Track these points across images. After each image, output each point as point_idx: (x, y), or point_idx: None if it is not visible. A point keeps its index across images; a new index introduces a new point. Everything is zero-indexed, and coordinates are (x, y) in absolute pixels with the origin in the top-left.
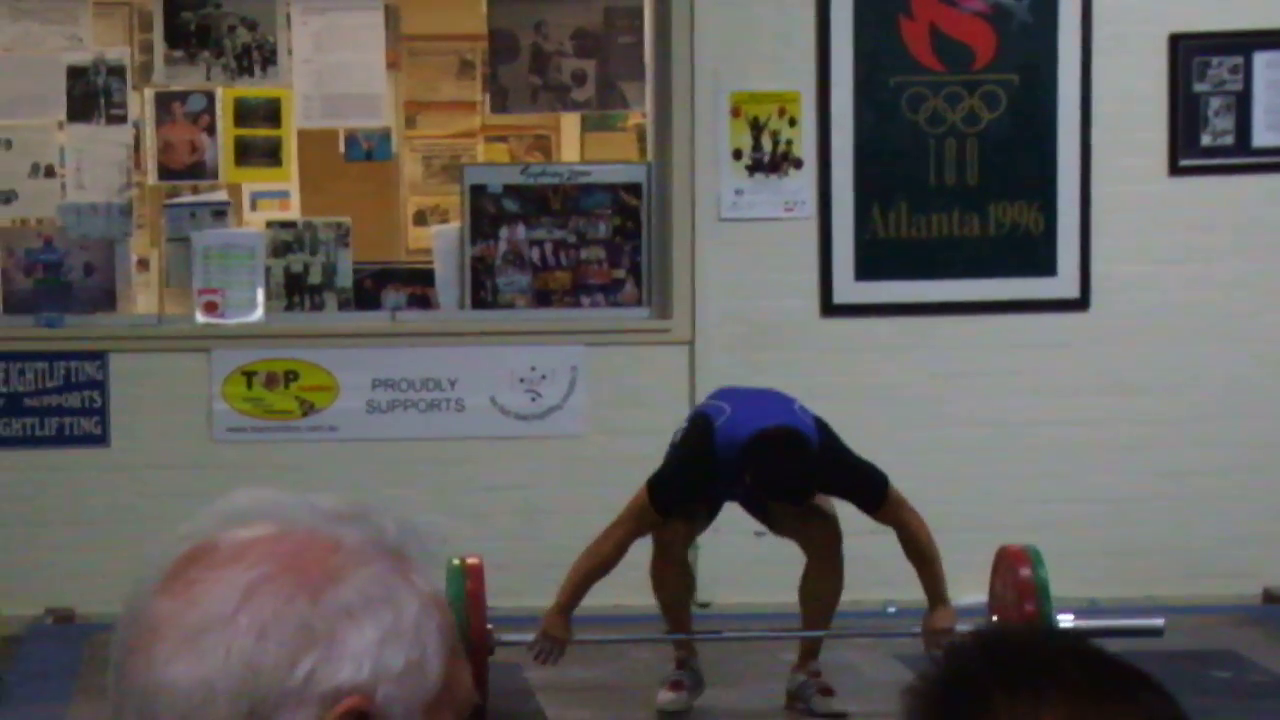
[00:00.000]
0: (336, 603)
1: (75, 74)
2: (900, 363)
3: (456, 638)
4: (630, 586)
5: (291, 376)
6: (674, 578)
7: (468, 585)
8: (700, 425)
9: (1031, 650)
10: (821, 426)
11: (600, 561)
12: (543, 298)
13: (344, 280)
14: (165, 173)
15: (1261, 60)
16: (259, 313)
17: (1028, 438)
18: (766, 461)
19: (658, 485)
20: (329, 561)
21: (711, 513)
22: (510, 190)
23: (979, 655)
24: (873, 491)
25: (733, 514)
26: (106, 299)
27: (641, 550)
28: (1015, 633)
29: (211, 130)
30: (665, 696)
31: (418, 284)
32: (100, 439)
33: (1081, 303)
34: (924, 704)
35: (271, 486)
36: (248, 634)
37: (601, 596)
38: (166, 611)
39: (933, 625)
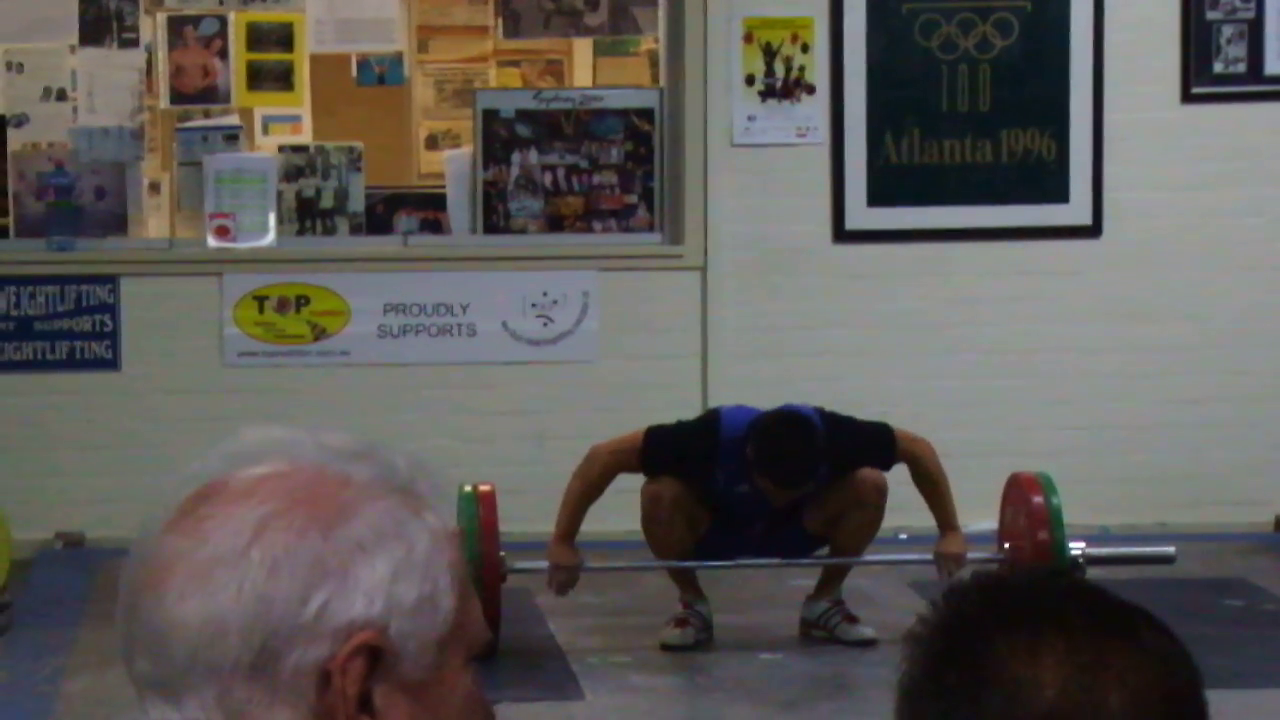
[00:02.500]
0: (348, 537)
1: None
2: (912, 289)
3: (468, 575)
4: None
5: (303, 301)
6: (662, 533)
7: (480, 513)
8: (708, 411)
9: (1031, 592)
10: (820, 410)
11: (589, 487)
12: (555, 223)
13: (356, 205)
14: (177, 97)
15: None
16: (270, 237)
17: (1039, 364)
18: (770, 441)
19: (654, 434)
20: (340, 497)
21: (713, 512)
22: (522, 115)
23: (979, 599)
24: (883, 450)
25: None
26: (118, 223)
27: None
28: (1016, 576)
29: (224, 54)
30: (670, 632)
31: (430, 209)
32: (111, 363)
33: (1093, 229)
34: (925, 649)
35: (281, 419)
36: (260, 568)
37: (615, 523)
38: (177, 549)
39: (945, 551)
